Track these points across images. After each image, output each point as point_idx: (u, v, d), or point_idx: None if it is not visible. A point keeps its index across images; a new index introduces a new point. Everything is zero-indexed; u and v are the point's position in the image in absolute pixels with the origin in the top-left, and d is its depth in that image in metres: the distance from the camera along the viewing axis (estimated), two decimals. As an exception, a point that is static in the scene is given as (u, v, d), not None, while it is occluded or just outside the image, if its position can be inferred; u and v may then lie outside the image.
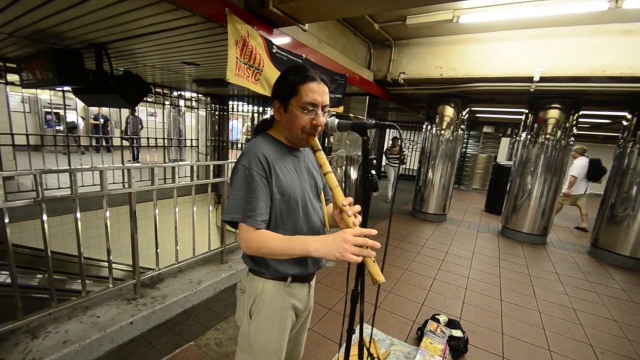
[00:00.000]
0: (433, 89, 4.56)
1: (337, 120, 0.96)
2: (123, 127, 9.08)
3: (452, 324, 2.37)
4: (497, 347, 2.28)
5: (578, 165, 5.70)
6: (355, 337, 2.11)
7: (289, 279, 1.07)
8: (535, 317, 2.74)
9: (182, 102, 8.02)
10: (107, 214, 2.12)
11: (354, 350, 1.73)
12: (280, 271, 1.05)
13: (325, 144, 8.77)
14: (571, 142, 4.71)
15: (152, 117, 8.45)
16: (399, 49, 4.34)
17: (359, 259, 0.80)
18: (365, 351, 1.34)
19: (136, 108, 8.19)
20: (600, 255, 4.45)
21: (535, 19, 3.20)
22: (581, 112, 4.64)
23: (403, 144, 6.79)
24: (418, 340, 2.26)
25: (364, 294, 1.06)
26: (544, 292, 3.26)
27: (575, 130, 4.66)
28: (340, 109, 3.65)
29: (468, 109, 5.71)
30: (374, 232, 0.84)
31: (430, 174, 5.77)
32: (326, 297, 2.72)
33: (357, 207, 0.92)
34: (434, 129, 5.64)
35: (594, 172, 5.74)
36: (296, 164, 1.08)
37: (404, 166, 12.58)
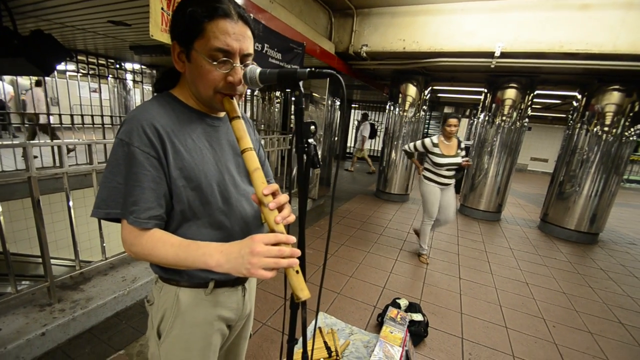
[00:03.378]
0: (396, 64, 4.37)
1: (258, 69, 0.69)
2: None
3: (412, 307, 2.28)
4: (457, 328, 2.24)
5: (367, 128, 8.35)
6: (309, 332, 1.94)
7: (210, 284, 0.81)
8: (492, 294, 2.77)
9: (128, 76, 7.15)
10: (-1, 204, 1.68)
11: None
12: (198, 276, 0.79)
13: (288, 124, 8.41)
14: (525, 124, 4.83)
15: (95, 93, 7.47)
16: (361, 19, 4.06)
17: (273, 274, 0.59)
18: (308, 353, 1.13)
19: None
20: (549, 229, 4.70)
21: (498, -11, 3.08)
22: (535, 92, 4.74)
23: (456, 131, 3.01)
24: (378, 327, 2.15)
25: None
26: (500, 268, 3.33)
27: (530, 112, 4.78)
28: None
29: (430, 88, 5.65)
30: (292, 239, 0.62)
31: (393, 154, 5.70)
32: (283, 285, 2.51)
33: (283, 198, 0.67)
34: (397, 109, 5.53)
35: (372, 132, 8.78)
36: (212, 136, 0.80)
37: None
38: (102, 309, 2.02)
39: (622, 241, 4.69)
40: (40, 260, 1.92)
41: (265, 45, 2.62)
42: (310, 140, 0.70)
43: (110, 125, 6.11)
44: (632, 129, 4.00)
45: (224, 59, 0.68)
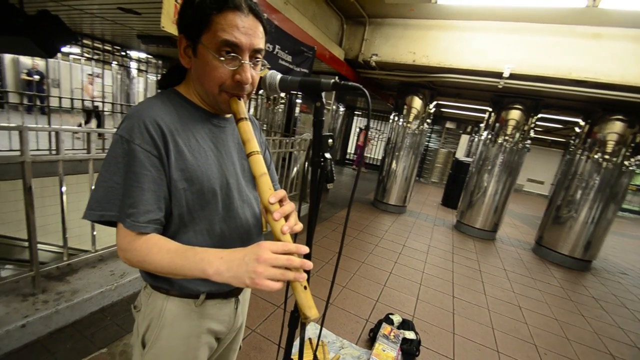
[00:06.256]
0: (404, 76, 4.37)
1: (279, 75, 0.65)
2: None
3: (405, 324, 2.24)
4: (449, 349, 2.20)
5: None
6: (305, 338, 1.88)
7: (201, 296, 0.77)
8: (484, 315, 2.73)
9: (132, 64, 7.08)
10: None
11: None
12: (188, 287, 0.75)
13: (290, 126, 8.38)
14: (527, 145, 4.84)
15: (97, 78, 7.40)
16: (373, 28, 4.06)
17: (279, 286, 0.54)
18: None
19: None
20: (543, 253, 4.69)
21: (510, 10, 3.09)
22: (539, 115, 4.77)
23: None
24: (370, 342, 2.10)
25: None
26: (493, 288, 3.31)
27: (532, 134, 4.80)
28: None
29: (435, 102, 5.66)
30: (305, 249, 0.57)
31: (394, 165, 5.68)
32: (275, 292, 2.46)
33: (289, 207, 0.63)
34: (401, 120, 5.52)
35: None
36: (217, 137, 0.76)
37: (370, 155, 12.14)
38: (88, 303, 1.95)
39: (614, 270, 4.70)
40: (26, 244, 1.85)
41: (277, 46, 2.59)
42: (327, 155, 0.66)
43: (110, 113, 6.03)
44: (632, 159, 4.02)
45: (232, 54, 0.64)
